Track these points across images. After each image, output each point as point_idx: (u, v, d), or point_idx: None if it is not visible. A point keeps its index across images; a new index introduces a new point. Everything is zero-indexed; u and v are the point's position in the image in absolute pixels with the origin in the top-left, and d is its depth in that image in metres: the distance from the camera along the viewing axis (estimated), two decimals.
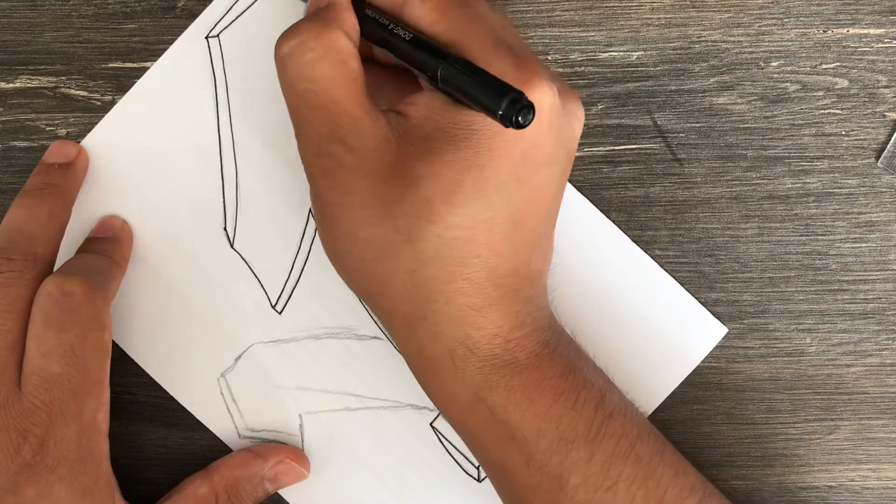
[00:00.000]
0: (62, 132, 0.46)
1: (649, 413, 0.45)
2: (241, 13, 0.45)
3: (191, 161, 0.46)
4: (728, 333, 0.46)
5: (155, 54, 0.46)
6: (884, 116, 0.45)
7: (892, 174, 0.45)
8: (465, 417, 0.39)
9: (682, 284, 0.46)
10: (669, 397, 0.46)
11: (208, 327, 0.46)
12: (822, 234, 0.45)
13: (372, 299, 0.39)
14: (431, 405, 0.44)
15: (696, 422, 0.46)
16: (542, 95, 0.36)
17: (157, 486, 0.45)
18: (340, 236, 0.38)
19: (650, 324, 0.45)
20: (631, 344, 0.45)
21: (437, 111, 0.37)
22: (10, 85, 0.46)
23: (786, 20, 0.45)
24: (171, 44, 0.46)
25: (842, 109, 0.45)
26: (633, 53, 0.45)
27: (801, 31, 0.45)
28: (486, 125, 0.36)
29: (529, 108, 0.33)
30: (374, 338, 0.45)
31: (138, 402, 0.46)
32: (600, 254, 0.46)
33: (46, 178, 0.44)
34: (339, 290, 0.44)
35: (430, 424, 0.46)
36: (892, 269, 0.45)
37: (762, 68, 0.45)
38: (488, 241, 0.37)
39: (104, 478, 0.41)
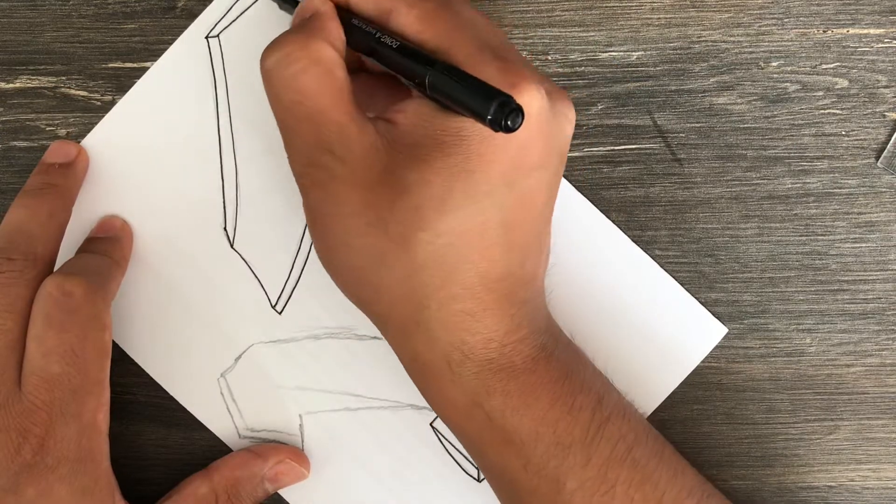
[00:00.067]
0: (62, 132, 0.46)
1: (649, 413, 0.45)
2: (241, 13, 0.45)
3: (191, 161, 0.46)
4: (728, 333, 0.46)
5: (155, 54, 0.46)
6: (884, 116, 0.45)
7: (892, 174, 0.45)
8: (463, 423, 0.39)
9: (682, 284, 0.46)
10: (669, 397, 0.46)
11: (208, 327, 0.46)
12: (822, 234, 0.45)
13: (367, 307, 0.39)
14: None
15: (696, 422, 0.46)
16: (531, 99, 0.36)
17: (157, 486, 0.45)
18: (333, 246, 0.38)
19: (650, 324, 0.45)
20: (631, 344, 0.45)
21: (426, 118, 0.37)
22: (10, 85, 0.46)
23: (786, 20, 0.45)
24: (171, 44, 0.46)
25: (842, 109, 0.45)
26: (633, 53, 0.45)
27: (801, 31, 0.45)
28: (475, 131, 0.36)
29: (518, 112, 0.33)
30: (374, 338, 0.45)
31: (138, 402, 0.46)
32: (600, 254, 0.46)
33: (46, 178, 0.44)
34: (338, 290, 0.44)
35: (430, 424, 0.46)
36: (892, 269, 0.45)
37: (762, 68, 0.45)
38: (480, 246, 0.37)
39: (104, 478, 0.41)
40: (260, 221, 0.46)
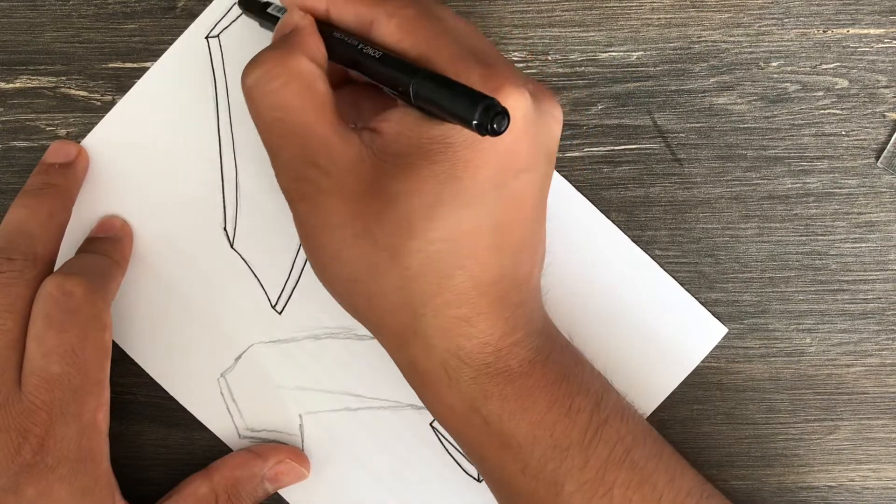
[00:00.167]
0: (62, 132, 0.46)
1: (649, 413, 0.45)
2: (241, 13, 0.45)
3: (191, 161, 0.46)
4: (728, 333, 0.46)
5: (155, 54, 0.46)
6: (884, 116, 0.45)
7: (892, 174, 0.45)
8: (461, 428, 0.39)
9: (682, 284, 0.46)
10: (669, 397, 0.46)
11: (208, 327, 0.46)
12: (822, 234, 0.45)
13: (362, 317, 0.39)
14: None
15: (696, 422, 0.46)
16: (515, 102, 0.36)
17: (157, 486, 0.45)
18: (325, 259, 0.38)
19: (650, 324, 0.45)
20: (631, 344, 0.45)
21: (411, 127, 0.37)
22: (10, 85, 0.46)
23: (786, 20, 0.45)
24: (171, 44, 0.46)
25: (842, 109, 0.45)
26: (633, 53, 0.45)
27: (801, 31, 0.45)
28: (460, 137, 0.36)
29: (504, 115, 0.33)
30: (374, 338, 0.45)
31: (138, 402, 0.46)
32: (600, 254, 0.46)
33: (46, 178, 0.44)
34: None
35: (430, 424, 0.46)
36: (892, 269, 0.45)
37: (762, 68, 0.45)
38: (472, 252, 0.37)
39: (104, 478, 0.41)
40: (260, 221, 0.46)
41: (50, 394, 0.40)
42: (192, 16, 0.46)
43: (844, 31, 0.45)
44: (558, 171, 0.45)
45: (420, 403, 0.44)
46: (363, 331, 0.46)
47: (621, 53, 0.45)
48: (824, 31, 0.45)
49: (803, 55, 0.45)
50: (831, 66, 0.45)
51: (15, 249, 0.42)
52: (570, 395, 0.38)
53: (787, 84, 0.45)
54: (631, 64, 0.45)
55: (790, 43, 0.45)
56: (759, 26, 0.45)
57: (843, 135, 0.45)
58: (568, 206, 0.45)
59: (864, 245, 0.45)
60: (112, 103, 0.46)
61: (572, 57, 0.45)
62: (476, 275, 0.37)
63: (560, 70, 0.45)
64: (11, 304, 0.41)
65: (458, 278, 0.37)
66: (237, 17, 0.46)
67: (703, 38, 0.45)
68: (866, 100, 0.45)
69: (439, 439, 0.46)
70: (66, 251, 0.44)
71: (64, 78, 0.46)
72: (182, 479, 0.45)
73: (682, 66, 0.45)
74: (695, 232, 0.46)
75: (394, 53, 0.37)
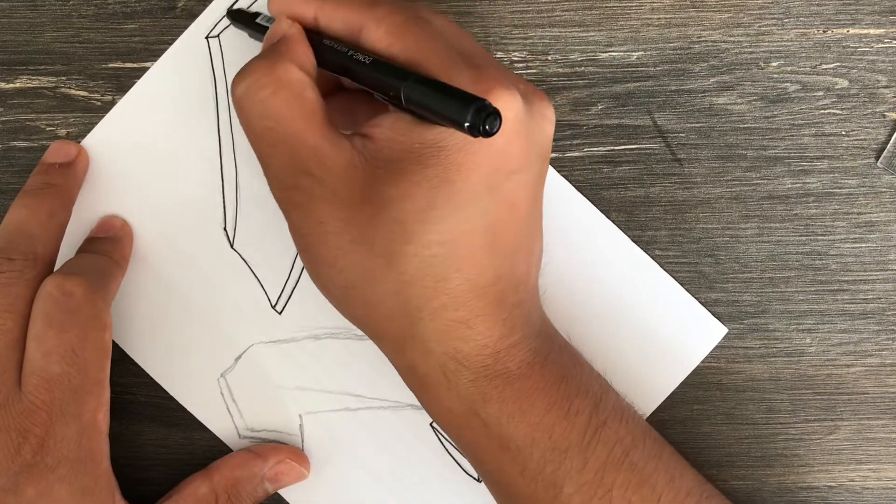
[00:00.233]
0: (62, 132, 0.46)
1: (649, 414, 0.45)
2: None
3: (191, 161, 0.46)
4: (728, 333, 0.46)
5: (155, 54, 0.46)
6: (884, 116, 0.45)
7: (892, 174, 0.45)
8: (461, 430, 0.39)
9: (682, 284, 0.46)
10: (669, 397, 0.46)
11: (208, 327, 0.46)
12: (822, 234, 0.45)
13: (361, 323, 0.39)
14: None
15: (696, 422, 0.46)
16: (506, 103, 0.36)
17: (157, 486, 0.45)
18: (322, 266, 0.38)
19: (650, 324, 0.45)
20: (631, 344, 0.45)
21: (402, 131, 0.37)
22: (10, 85, 0.46)
23: (786, 20, 0.45)
24: (171, 44, 0.46)
25: (842, 109, 0.45)
26: (633, 53, 0.45)
27: (801, 31, 0.45)
28: (452, 140, 0.36)
29: (496, 115, 0.33)
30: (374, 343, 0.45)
31: (138, 402, 0.46)
32: (600, 254, 0.46)
33: (46, 177, 0.44)
34: None
35: (430, 425, 0.46)
36: (892, 269, 0.45)
37: (762, 68, 0.45)
38: (467, 254, 0.37)
39: (104, 478, 0.41)
40: (260, 221, 0.46)
41: (50, 394, 0.40)
42: (192, 16, 0.46)
43: (844, 31, 0.45)
44: (558, 171, 0.45)
45: (420, 404, 0.44)
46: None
47: (621, 53, 0.45)
48: (824, 31, 0.45)
49: (803, 55, 0.45)
50: (831, 66, 0.45)
51: (15, 249, 0.42)
52: (568, 397, 0.38)
53: (787, 84, 0.45)
54: (631, 64, 0.45)
55: (790, 43, 0.45)
56: (759, 26, 0.45)
57: (843, 135, 0.45)
58: (568, 206, 0.45)
59: (864, 245, 0.45)
60: (112, 103, 0.46)
61: (572, 57, 0.45)
62: (472, 277, 0.37)
63: (560, 70, 0.45)
64: (11, 304, 0.41)
65: (455, 281, 0.37)
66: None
67: (703, 38, 0.45)
68: (866, 100, 0.45)
69: (439, 439, 0.46)
70: (66, 251, 0.44)
71: (64, 78, 0.46)
72: (182, 479, 0.45)
73: (682, 66, 0.45)
74: (695, 232, 0.46)
75: (384, 59, 0.37)
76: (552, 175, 0.45)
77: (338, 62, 0.38)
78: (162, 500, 0.44)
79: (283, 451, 0.45)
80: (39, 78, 0.46)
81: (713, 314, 0.46)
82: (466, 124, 0.33)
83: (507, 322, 0.38)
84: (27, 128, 0.46)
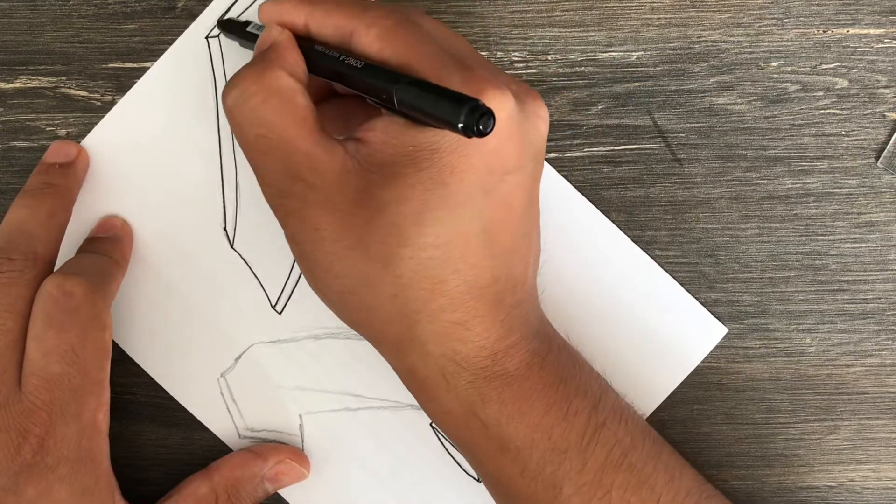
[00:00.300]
0: (62, 132, 0.46)
1: (649, 414, 0.45)
2: (241, 14, 0.45)
3: (191, 161, 0.46)
4: (728, 333, 0.46)
5: (155, 54, 0.46)
6: (884, 116, 0.45)
7: (892, 174, 0.45)
8: (460, 432, 0.39)
9: (682, 284, 0.46)
10: (669, 397, 0.46)
11: (208, 327, 0.46)
12: (822, 234, 0.45)
13: (360, 328, 0.39)
14: None
15: (696, 422, 0.46)
16: (498, 104, 0.36)
17: (157, 486, 0.45)
18: (319, 272, 0.38)
19: (650, 324, 0.45)
20: (631, 344, 0.45)
21: (396, 135, 0.37)
22: (10, 85, 0.46)
23: (786, 20, 0.45)
24: (171, 44, 0.46)
25: (842, 109, 0.45)
26: (633, 53, 0.45)
27: (801, 31, 0.45)
28: (445, 143, 0.36)
29: (490, 115, 0.33)
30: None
31: (138, 402, 0.46)
32: (600, 254, 0.46)
33: (46, 177, 0.44)
34: None
35: (430, 425, 0.46)
36: (892, 269, 0.45)
37: (762, 68, 0.45)
38: (464, 255, 0.37)
39: (104, 478, 0.41)
40: (260, 221, 0.46)
41: (50, 394, 0.40)
42: (192, 16, 0.46)
43: (844, 31, 0.45)
44: (558, 171, 0.45)
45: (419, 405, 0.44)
46: None
47: (621, 53, 0.45)
48: (824, 31, 0.45)
49: (803, 55, 0.45)
50: (831, 66, 0.45)
51: (15, 249, 0.42)
52: (567, 398, 0.38)
53: (787, 84, 0.45)
54: (631, 64, 0.45)
55: (790, 43, 0.45)
56: (759, 26, 0.45)
57: (843, 135, 0.45)
58: (568, 206, 0.45)
59: (864, 245, 0.45)
60: (112, 103, 0.46)
61: (572, 57, 0.45)
62: (470, 279, 0.37)
63: (560, 70, 0.45)
64: (11, 304, 0.41)
65: (452, 283, 0.37)
66: (238, 17, 0.46)
67: (703, 38, 0.45)
68: (866, 100, 0.45)
69: (439, 439, 0.46)
70: (66, 251, 0.44)
71: (64, 78, 0.46)
72: (182, 479, 0.45)
73: (682, 66, 0.45)
74: (695, 232, 0.46)
75: (375, 63, 0.37)
76: (552, 175, 0.45)
77: (330, 67, 0.38)
78: (162, 500, 0.44)
79: (283, 451, 0.45)
80: (39, 78, 0.46)
81: (713, 314, 0.46)
82: (460, 125, 0.33)
83: (505, 323, 0.38)
84: (27, 128, 0.46)
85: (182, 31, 0.46)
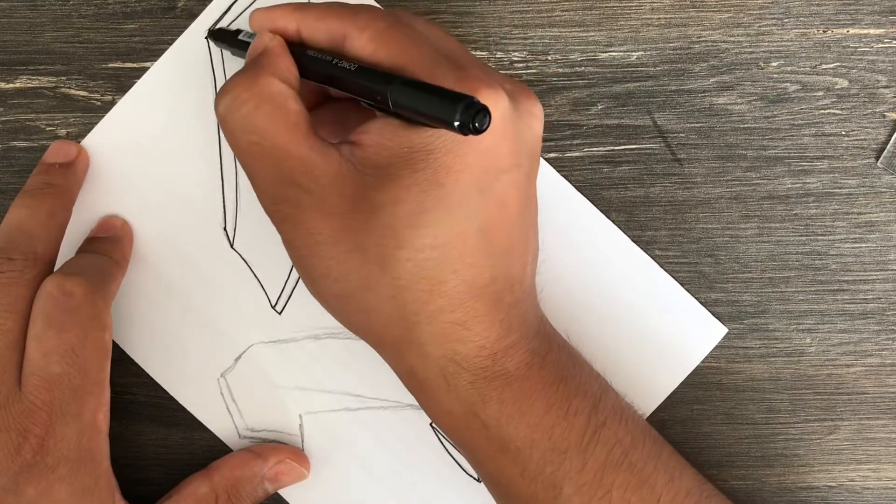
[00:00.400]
0: (62, 132, 0.46)
1: (649, 414, 0.45)
2: (241, 13, 0.45)
3: (191, 161, 0.46)
4: (728, 333, 0.46)
5: (155, 54, 0.46)
6: (884, 116, 0.45)
7: (892, 174, 0.45)
8: (461, 432, 0.39)
9: (682, 284, 0.46)
10: (669, 397, 0.46)
11: (208, 327, 0.46)
12: (822, 234, 0.45)
13: (359, 331, 0.39)
14: None
15: (696, 422, 0.46)
16: (492, 103, 0.36)
17: (157, 486, 0.45)
18: (316, 277, 0.38)
19: (650, 324, 0.45)
20: (631, 344, 0.45)
21: (390, 136, 0.37)
22: (10, 85, 0.46)
23: (786, 20, 0.45)
24: (171, 44, 0.46)
25: (842, 109, 0.45)
26: (633, 53, 0.45)
27: (801, 31, 0.45)
28: (440, 143, 0.36)
29: (485, 112, 0.33)
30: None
31: (138, 402, 0.46)
32: (600, 254, 0.46)
33: (46, 177, 0.44)
34: None
35: (430, 425, 0.46)
36: (892, 269, 0.45)
37: (762, 68, 0.45)
38: (462, 256, 0.37)
39: (104, 478, 0.41)
40: (260, 221, 0.46)
41: (50, 394, 0.40)
42: (192, 16, 0.46)
43: (844, 31, 0.45)
44: (558, 171, 0.45)
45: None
46: None
47: (621, 53, 0.45)
48: (824, 31, 0.45)
49: (803, 55, 0.45)
50: (831, 66, 0.45)
51: (15, 249, 0.42)
52: (567, 398, 0.38)
53: (787, 84, 0.45)
54: (631, 64, 0.45)
55: (790, 43, 0.45)
56: (759, 26, 0.45)
57: (843, 135, 0.45)
58: (568, 206, 0.45)
59: (864, 245, 0.45)
60: (112, 103, 0.46)
61: (572, 57, 0.45)
62: (468, 279, 0.37)
63: (560, 70, 0.45)
64: (11, 304, 0.41)
65: (451, 283, 0.37)
66: (237, 17, 0.46)
67: (703, 38, 0.45)
68: (866, 100, 0.45)
69: (439, 439, 0.46)
70: (66, 251, 0.44)
71: (64, 78, 0.46)
72: (182, 479, 0.45)
73: (682, 66, 0.45)
74: (695, 232, 0.46)
75: (369, 66, 0.37)
76: (552, 175, 0.45)
77: (323, 72, 0.38)
78: (162, 500, 0.44)
79: (283, 451, 0.45)
80: (39, 78, 0.46)
81: (713, 314, 0.46)
82: (456, 123, 0.33)
83: (504, 322, 0.38)
84: (27, 128, 0.46)
85: (182, 31, 0.46)
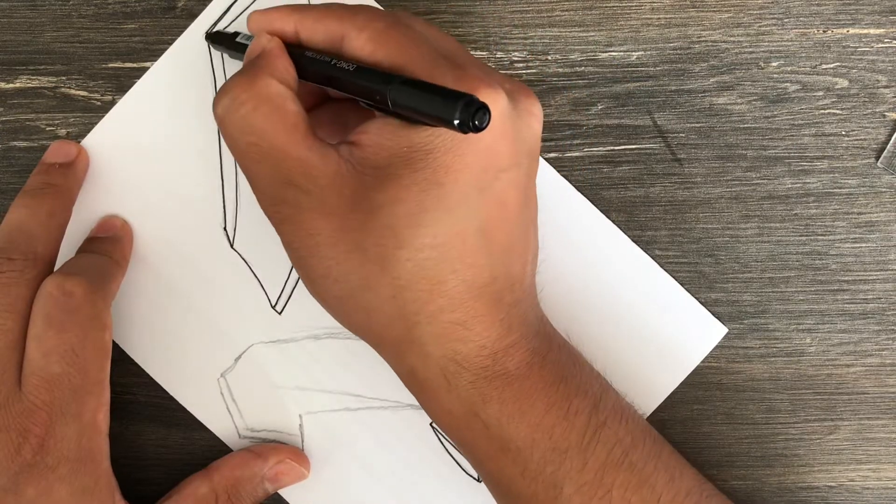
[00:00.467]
0: (62, 132, 0.46)
1: (649, 413, 0.45)
2: (241, 13, 0.45)
3: (191, 161, 0.46)
4: (728, 333, 0.46)
5: (155, 54, 0.46)
6: (884, 116, 0.45)
7: (892, 174, 0.45)
8: (461, 432, 0.39)
9: (682, 284, 0.46)
10: (669, 397, 0.46)
11: (208, 327, 0.46)
12: (822, 234, 0.45)
13: (360, 331, 0.39)
14: None
15: (696, 422, 0.46)
16: (491, 102, 0.36)
17: (157, 486, 0.45)
18: (316, 278, 0.38)
19: (650, 324, 0.45)
20: (631, 344, 0.45)
21: (390, 136, 0.37)
22: (10, 85, 0.46)
23: (786, 20, 0.45)
24: (171, 44, 0.46)
25: (842, 109, 0.45)
26: (633, 53, 0.45)
27: (801, 31, 0.45)
28: (440, 143, 0.36)
29: (485, 110, 0.33)
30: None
31: (138, 402, 0.46)
32: (600, 254, 0.46)
33: (46, 177, 0.44)
34: None
35: (430, 425, 0.46)
36: (892, 269, 0.45)
37: (762, 68, 0.45)
38: (461, 255, 0.37)
39: (104, 478, 0.41)
40: (260, 221, 0.46)
41: (50, 394, 0.40)
42: (192, 16, 0.46)
43: (844, 31, 0.45)
44: (558, 171, 0.45)
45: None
46: None
47: (621, 53, 0.45)
48: (824, 31, 0.45)
49: (803, 55, 0.45)
50: (831, 66, 0.45)
51: (15, 249, 0.42)
52: (567, 397, 0.38)
53: (787, 84, 0.45)
54: (631, 64, 0.45)
55: (790, 43, 0.45)
56: (759, 26, 0.45)
57: (843, 135, 0.45)
58: (568, 206, 0.45)
59: (864, 245, 0.45)
60: (112, 103, 0.46)
61: (572, 57, 0.45)
62: (468, 278, 0.37)
63: (560, 70, 0.45)
64: (11, 304, 0.41)
65: (451, 283, 0.37)
66: (237, 17, 0.46)
67: (703, 38, 0.45)
68: (866, 100, 0.45)
69: (439, 439, 0.46)
70: (66, 251, 0.44)
71: (64, 78, 0.46)
72: (182, 479, 0.45)
73: (682, 66, 0.45)
74: (695, 232, 0.46)
75: (368, 66, 0.37)
76: (552, 175, 0.45)
77: (321, 72, 0.38)
78: (162, 500, 0.44)
79: (283, 451, 0.45)
80: (39, 78, 0.46)
81: (713, 314, 0.46)
82: (455, 121, 0.33)
83: (504, 322, 0.38)
84: (27, 128, 0.46)
85: (182, 31, 0.46)
